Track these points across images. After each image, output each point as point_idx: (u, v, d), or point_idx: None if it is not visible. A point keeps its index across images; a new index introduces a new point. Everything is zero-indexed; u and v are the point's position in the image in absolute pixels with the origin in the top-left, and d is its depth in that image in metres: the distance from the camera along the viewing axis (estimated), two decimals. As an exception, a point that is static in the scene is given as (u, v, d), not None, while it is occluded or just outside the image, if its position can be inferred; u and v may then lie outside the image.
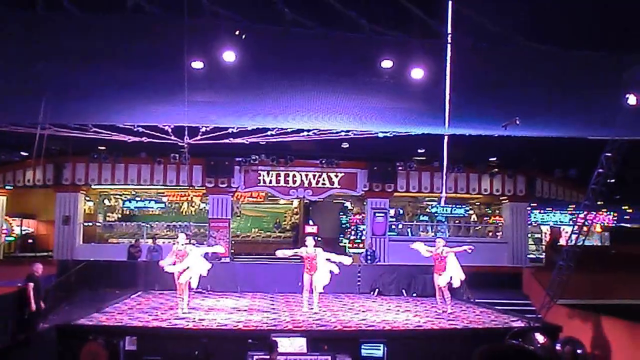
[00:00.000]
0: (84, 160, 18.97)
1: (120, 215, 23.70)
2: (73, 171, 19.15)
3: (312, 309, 11.11)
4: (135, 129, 12.41)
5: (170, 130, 12.61)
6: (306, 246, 11.40)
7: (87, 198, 21.22)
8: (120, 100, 9.16)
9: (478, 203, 24.05)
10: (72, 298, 12.29)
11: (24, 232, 22.17)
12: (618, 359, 11.23)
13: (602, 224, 26.95)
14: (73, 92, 8.47)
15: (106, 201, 23.42)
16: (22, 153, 18.08)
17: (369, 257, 17.15)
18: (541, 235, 26.76)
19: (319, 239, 21.35)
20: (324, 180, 19.77)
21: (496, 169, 20.06)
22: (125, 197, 23.15)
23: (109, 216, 23.67)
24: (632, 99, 7.94)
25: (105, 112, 10.33)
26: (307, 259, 11.20)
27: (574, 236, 14.63)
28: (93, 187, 20.34)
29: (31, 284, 10.40)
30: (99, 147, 18.04)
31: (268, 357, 7.02)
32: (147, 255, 16.83)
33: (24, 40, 6.49)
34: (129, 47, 6.79)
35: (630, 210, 28.23)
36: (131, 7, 5.45)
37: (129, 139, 13.34)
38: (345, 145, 16.01)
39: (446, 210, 23.41)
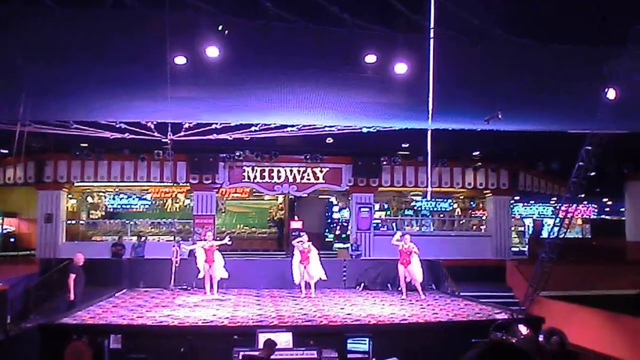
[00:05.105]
0: (66, 158, 18.74)
1: (103, 213, 23.45)
2: (55, 168, 18.92)
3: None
4: (117, 126, 12.28)
5: (153, 126, 12.50)
6: (302, 242, 13.08)
7: (70, 195, 20.96)
8: (102, 96, 9.05)
9: (462, 197, 24.23)
10: (55, 297, 12.16)
11: (5, 231, 21.83)
12: (599, 348, 11.43)
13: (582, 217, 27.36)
14: (53, 88, 8.35)
15: (89, 198, 23.17)
16: (2, 150, 17.78)
17: (353, 250, 17.27)
18: (524, 228, 27.08)
19: (303, 234, 21.36)
20: (308, 175, 19.75)
21: (479, 163, 20.22)
22: (109, 194, 22.91)
23: (92, 214, 23.41)
24: (611, 93, 8.06)
25: (87, 108, 10.20)
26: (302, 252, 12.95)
27: (555, 229, 14.85)
28: (75, 184, 20.08)
29: (72, 275, 11.34)
30: (81, 144, 17.79)
31: (264, 356, 6.92)
32: (131, 252, 16.70)
33: (1, 35, 6.38)
34: (110, 42, 6.71)
35: (610, 203, 28.70)
36: (111, 1, 5.38)
37: (112, 136, 13.19)
38: (329, 140, 16.02)
39: (430, 204, 23.54)
